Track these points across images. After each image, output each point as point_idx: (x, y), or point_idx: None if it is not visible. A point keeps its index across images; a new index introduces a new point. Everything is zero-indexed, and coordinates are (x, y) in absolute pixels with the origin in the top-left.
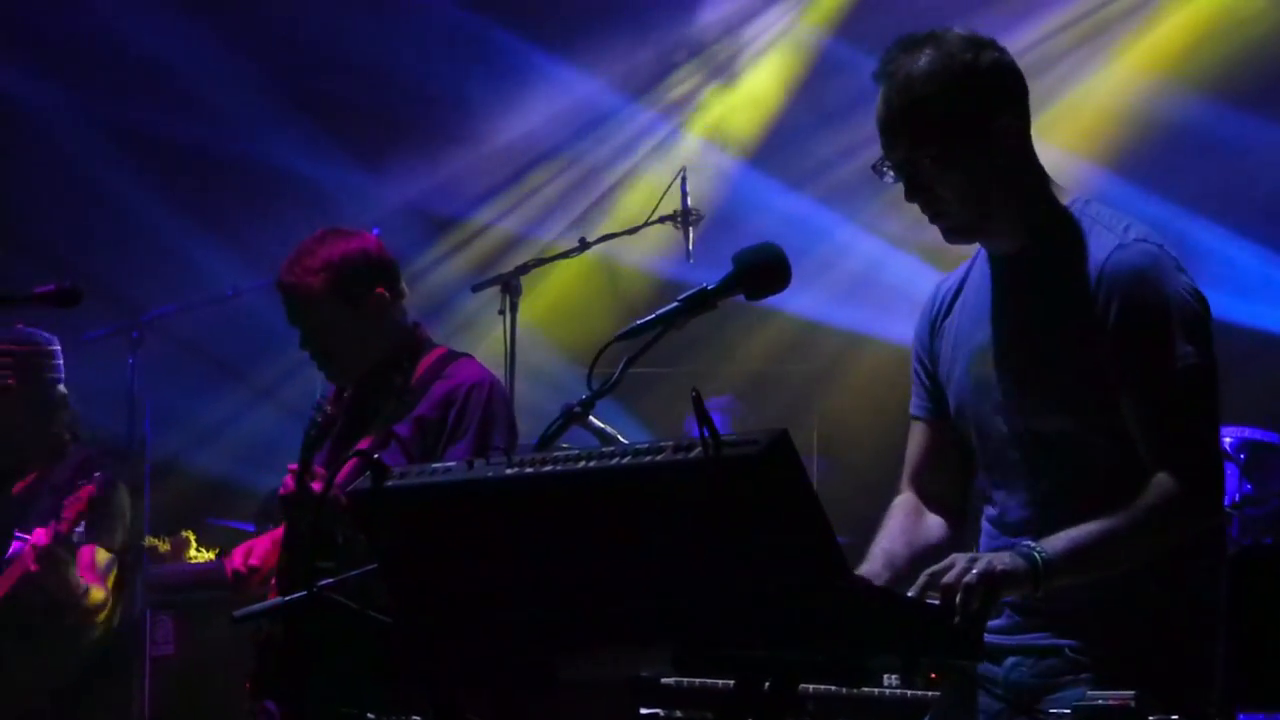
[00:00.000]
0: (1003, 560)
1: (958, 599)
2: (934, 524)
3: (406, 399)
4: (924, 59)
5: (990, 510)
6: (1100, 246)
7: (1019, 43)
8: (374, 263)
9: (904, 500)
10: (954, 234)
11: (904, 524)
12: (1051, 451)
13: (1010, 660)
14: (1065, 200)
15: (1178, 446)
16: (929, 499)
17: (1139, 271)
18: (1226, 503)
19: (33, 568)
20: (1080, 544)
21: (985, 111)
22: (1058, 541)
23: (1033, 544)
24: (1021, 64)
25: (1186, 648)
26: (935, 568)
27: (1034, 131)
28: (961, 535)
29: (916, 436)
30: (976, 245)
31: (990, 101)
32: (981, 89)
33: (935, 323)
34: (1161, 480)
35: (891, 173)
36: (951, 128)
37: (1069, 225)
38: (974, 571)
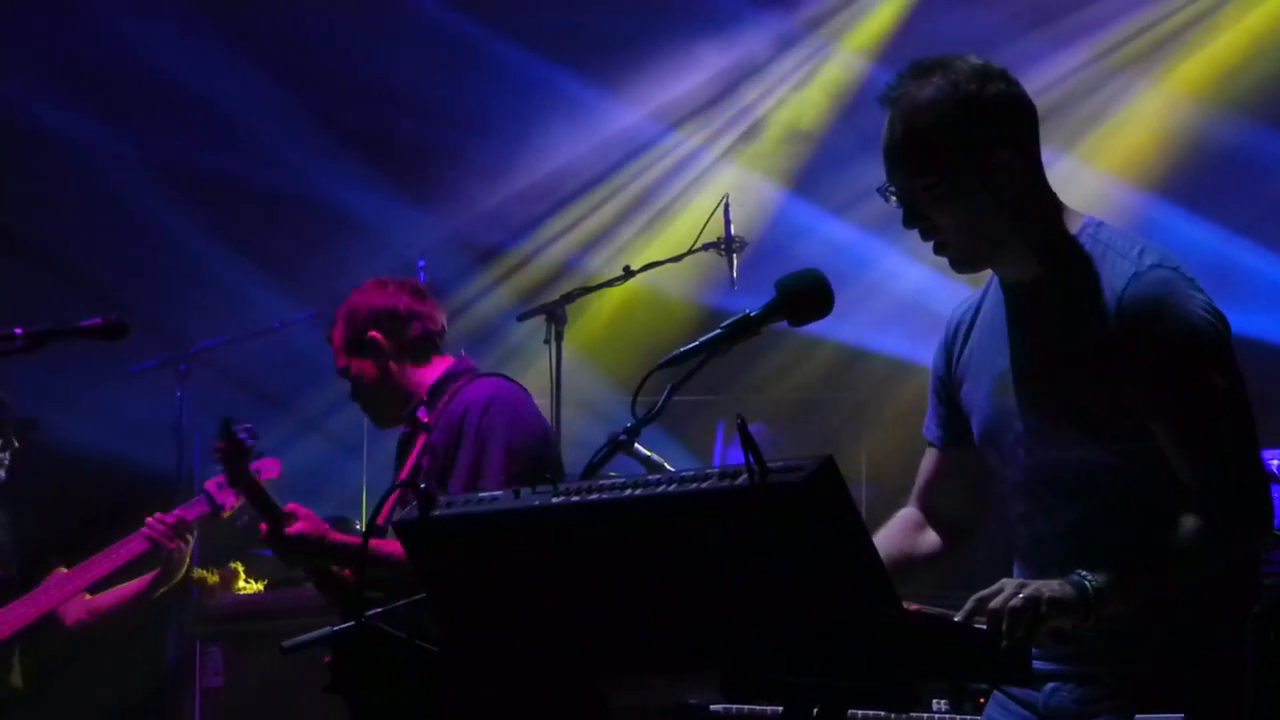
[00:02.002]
0: (1051, 587)
1: (1004, 624)
2: (929, 540)
3: (428, 431)
4: (929, 88)
5: (1020, 538)
6: (1117, 274)
7: (1063, 67)
8: (375, 311)
9: (905, 514)
10: (959, 265)
11: (896, 535)
12: (1076, 480)
13: (1050, 686)
14: (1077, 225)
15: (1218, 471)
16: (934, 518)
17: (1158, 299)
18: (1277, 524)
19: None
20: (1130, 572)
21: (986, 144)
22: (1107, 569)
23: (1084, 573)
24: (1066, 88)
25: (1225, 673)
26: (983, 592)
27: (1079, 155)
28: (958, 554)
29: (928, 459)
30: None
31: (992, 134)
32: (983, 121)
33: (952, 350)
34: (1206, 504)
35: (894, 198)
36: (950, 159)
37: (1081, 253)
38: (1020, 596)
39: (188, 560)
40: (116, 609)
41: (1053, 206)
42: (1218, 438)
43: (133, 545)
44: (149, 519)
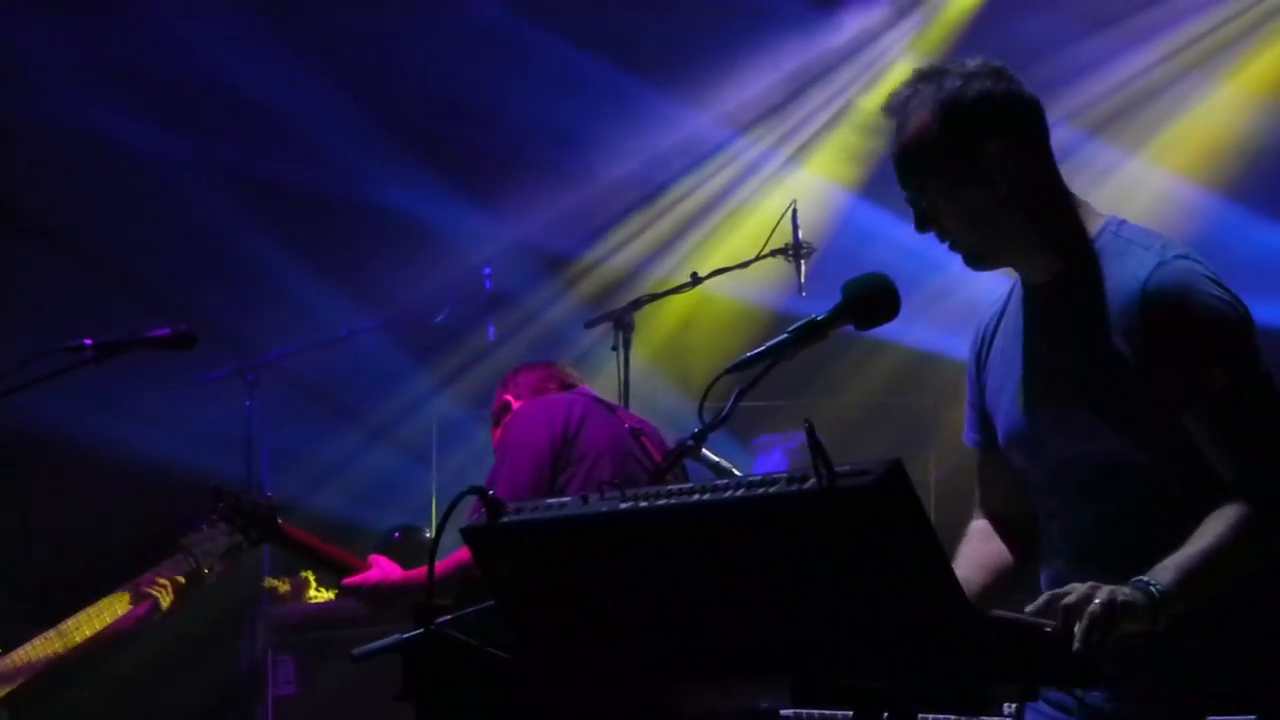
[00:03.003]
0: (1123, 592)
1: (1079, 626)
2: (1005, 547)
3: None
4: (920, 94)
5: (1048, 536)
6: (1140, 265)
7: (1133, 68)
8: (516, 386)
9: (976, 526)
10: (970, 261)
11: (977, 550)
12: (1103, 475)
13: None
14: (1098, 223)
15: (1256, 454)
16: (998, 522)
17: (1182, 289)
18: None
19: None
20: (1189, 571)
21: (974, 140)
22: (1166, 572)
23: (1145, 578)
24: (1135, 89)
25: (1264, 669)
26: (1056, 590)
27: (1148, 156)
28: (1035, 554)
29: (980, 464)
30: (1014, 276)
31: (977, 132)
32: (966, 120)
33: (980, 355)
34: (1247, 493)
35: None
36: (939, 158)
37: (1103, 248)
38: (1098, 602)
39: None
40: (109, 643)
41: (1070, 204)
42: (1251, 421)
43: (129, 618)
44: (150, 576)
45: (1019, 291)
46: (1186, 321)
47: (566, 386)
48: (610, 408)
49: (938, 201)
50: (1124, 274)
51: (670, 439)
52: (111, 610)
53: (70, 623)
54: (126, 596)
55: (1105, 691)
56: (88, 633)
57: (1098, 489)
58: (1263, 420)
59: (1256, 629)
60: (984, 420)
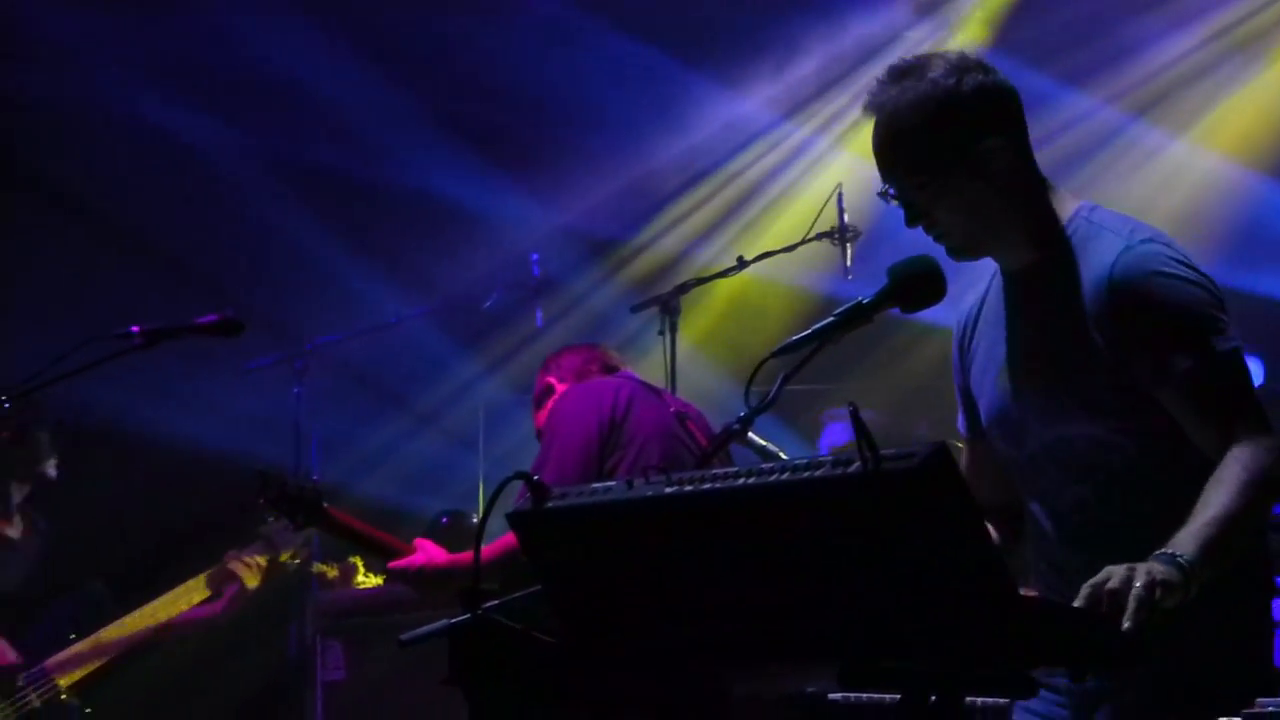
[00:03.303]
0: (1159, 570)
1: (1129, 608)
2: (995, 533)
3: None
4: (908, 90)
5: (1032, 519)
6: (1108, 249)
7: (1177, 49)
8: (560, 367)
9: None
10: (957, 254)
11: None
12: (1082, 457)
13: None
14: (1071, 208)
15: (1239, 417)
16: (988, 510)
17: (1147, 273)
18: None
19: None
20: (1208, 538)
21: (971, 136)
22: (1187, 542)
23: (1170, 550)
24: (1180, 70)
25: (1245, 646)
26: (1094, 580)
27: (1193, 138)
28: (1022, 542)
29: (965, 455)
30: (992, 265)
31: (976, 125)
32: (965, 115)
33: (963, 343)
34: (1240, 452)
35: (894, 200)
36: (939, 157)
37: (1076, 234)
38: (1139, 585)
39: (245, 599)
40: (180, 632)
41: (1045, 191)
42: (1225, 393)
43: (202, 611)
44: (226, 556)
45: (999, 278)
46: (1152, 304)
47: (609, 369)
48: (655, 391)
49: (933, 196)
50: (1094, 259)
51: (716, 423)
52: (188, 597)
53: (147, 609)
54: (203, 581)
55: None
56: (163, 618)
57: (1077, 471)
58: (1236, 391)
59: (1238, 609)
60: (971, 409)
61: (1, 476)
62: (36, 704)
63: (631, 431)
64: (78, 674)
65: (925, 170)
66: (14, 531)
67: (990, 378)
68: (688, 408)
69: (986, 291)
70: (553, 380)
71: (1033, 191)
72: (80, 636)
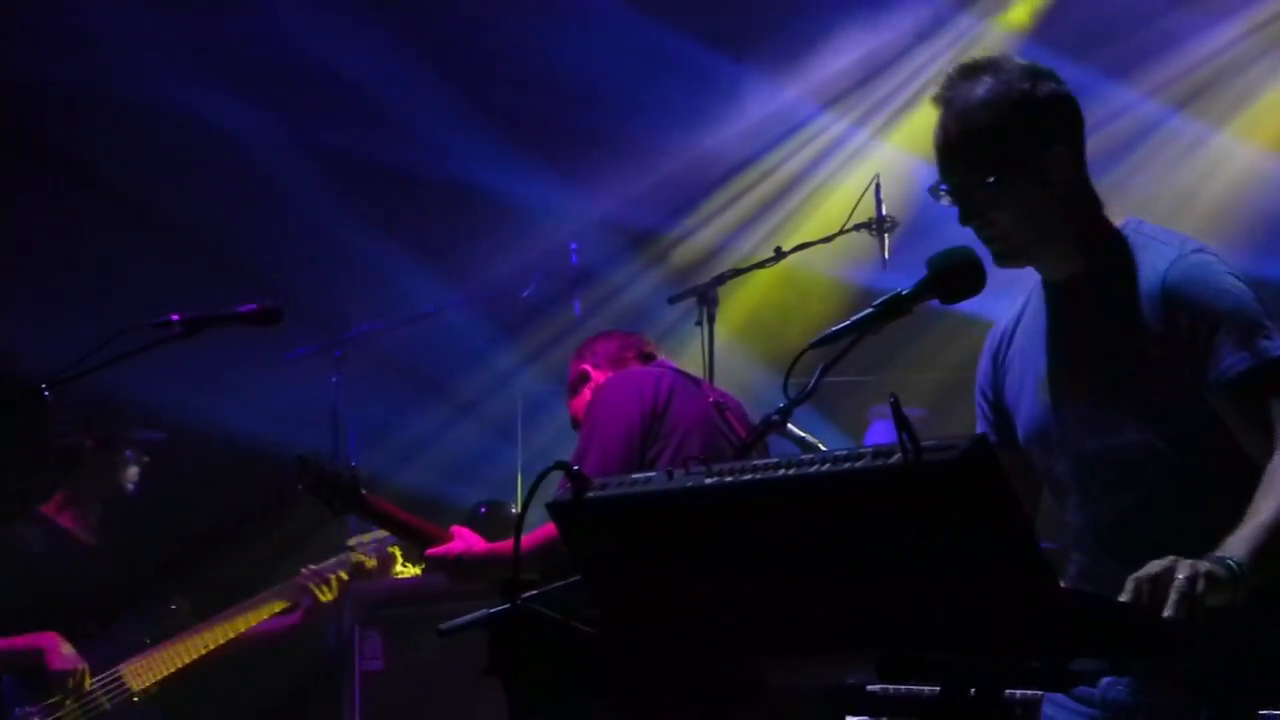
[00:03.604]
0: (1204, 565)
1: (1169, 600)
2: None
3: None
4: (982, 87)
5: (1073, 530)
6: (1160, 258)
7: (1217, 43)
8: (594, 353)
9: None
10: (1004, 259)
11: None
12: (1125, 466)
13: (1106, 680)
14: (1118, 222)
15: None
16: None
17: (1201, 275)
18: None
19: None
20: (1258, 542)
21: (1040, 142)
22: (1237, 545)
23: (1220, 553)
24: (1219, 64)
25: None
26: (1139, 574)
27: (1232, 132)
28: None
29: None
30: (1033, 278)
31: (1045, 131)
32: (1037, 119)
33: (998, 356)
34: None
35: (947, 197)
36: (1006, 157)
37: (1124, 245)
38: (1182, 577)
39: (323, 611)
40: (254, 644)
41: (1095, 202)
42: (1278, 389)
43: (279, 623)
44: (303, 569)
45: (1039, 291)
46: (1207, 307)
47: (645, 357)
48: (694, 381)
49: (991, 198)
50: (1146, 268)
51: (755, 415)
52: (267, 609)
53: (224, 620)
54: (281, 594)
55: (1127, 685)
56: (241, 630)
57: (1119, 481)
58: None
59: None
60: (999, 418)
61: (81, 483)
62: (107, 706)
63: (673, 422)
64: (151, 679)
65: (989, 169)
66: (89, 536)
67: (1029, 389)
68: (726, 398)
69: (1025, 304)
70: (588, 367)
71: (1087, 204)
72: (155, 642)
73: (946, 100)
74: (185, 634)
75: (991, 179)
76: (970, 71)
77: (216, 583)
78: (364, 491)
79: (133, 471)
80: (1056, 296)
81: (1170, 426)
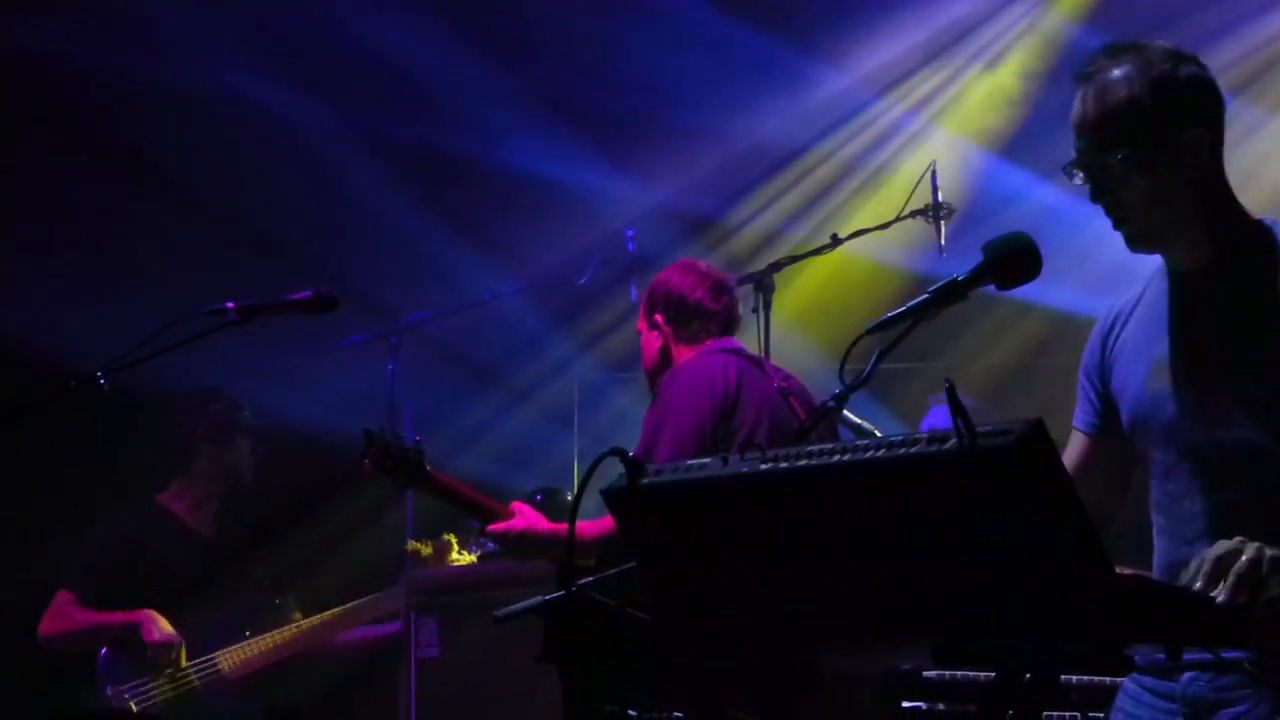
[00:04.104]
0: (1270, 549)
1: (1227, 583)
2: None
3: None
4: (1124, 66)
5: (1163, 522)
6: None
7: (1271, 28)
8: (670, 295)
9: None
10: (1136, 242)
11: None
12: (1232, 463)
13: (1187, 675)
14: (1253, 218)
15: None
16: None
17: None
18: None
19: None
20: None
21: (1178, 122)
22: None
23: None
24: (1276, 48)
25: None
26: (1204, 555)
27: None
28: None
29: (1074, 448)
30: (1155, 264)
31: (1183, 113)
32: (1176, 100)
33: (1108, 339)
34: None
35: (1080, 174)
36: (1142, 135)
37: (1260, 240)
38: (1245, 559)
39: None
40: (350, 650)
41: (1232, 197)
42: None
43: (375, 630)
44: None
45: (1160, 279)
46: None
47: (724, 329)
48: (758, 363)
49: (1127, 177)
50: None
51: (814, 398)
52: (360, 615)
53: (318, 621)
54: (375, 603)
55: (1208, 681)
56: (335, 633)
57: (1227, 476)
58: None
59: None
60: (1104, 405)
61: (196, 472)
62: (196, 684)
63: (744, 411)
64: (243, 665)
65: (1125, 146)
66: (205, 527)
67: (1139, 376)
68: (790, 381)
69: (1143, 291)
70: (667, 331)
71: (1220, 193)
72: (254, 635)
73: (1086, 76)
74: (284, 629)
75: (1124, 155)
76: (1114, 51)
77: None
78: (429, 467)
79: (248, 460)
80: (1181, 285)
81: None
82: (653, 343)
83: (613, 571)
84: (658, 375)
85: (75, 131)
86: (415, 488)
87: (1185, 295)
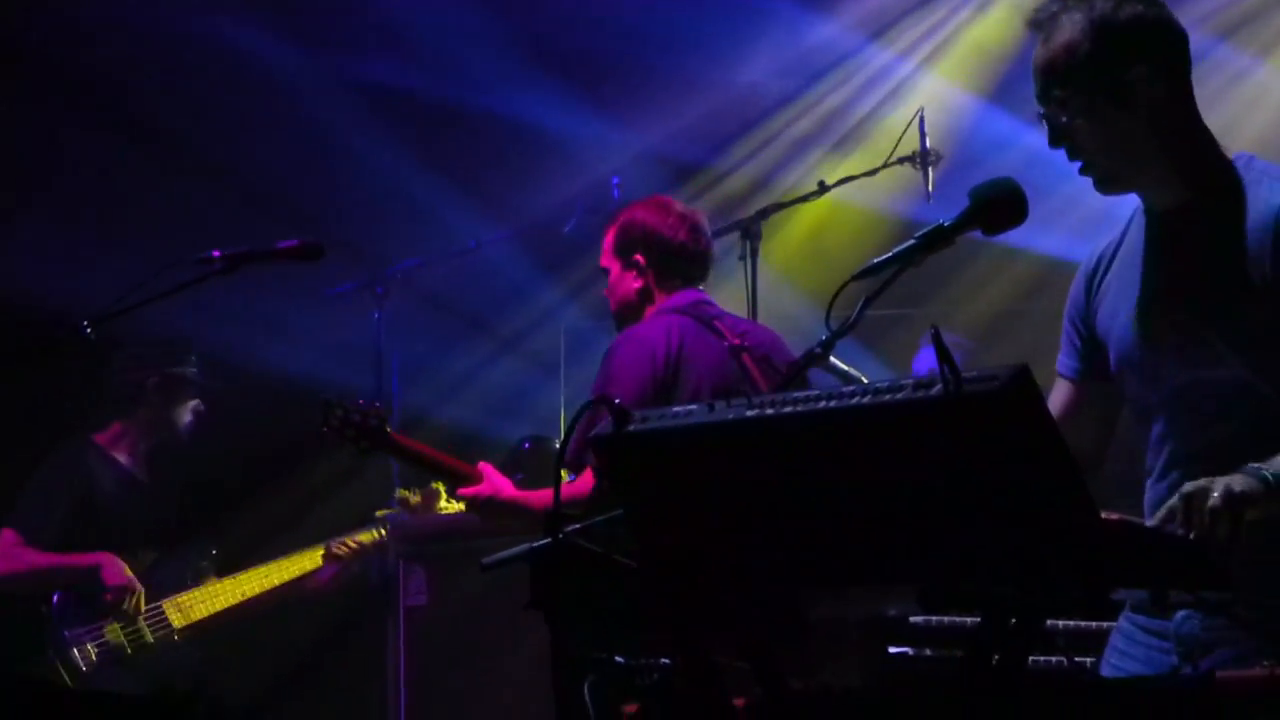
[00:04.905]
0: (1238, 482)
1: (1205, 524)
2: None
3: None
4: (1069, 10)
5: (1154, 461)
6: (1274, 194)
7: None
8: (650, 234)
9: None
10: (1103, 184)
11: None
12: (1219, 400)
13: (1181, 613)
14: (1229, 156)
15: None
16: None
17: None
18: None
19: None
20: None
21: (1120, 61)
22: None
23: (1257, 466)
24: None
25: None
26: (1171, 500)
27: (1276, 62)
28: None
29: (1058, 393)
30: (1133, 205)
31: (1126, 52)
32: (1116, 40)
33: (1093, 281)
34: None
35: (1043, 119)
36: (1084, 76)
37: (1233, 179)
38: (1216, 495)
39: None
40: (286, 597)
41: (1204, 135)
42: None
43: (317, 576)
44: (332, 543)
45: (1139, 219)
46: None
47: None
48: (709, 322)
49: (1076, 119)
50: (1258, 202)
51: (798, 348)
52: (300, 565)
53: (260, 571)
54: (320, 553)
55: (1201, 619)
56: (275, 583)
57: (1213, 414)
58: None
59: None
60: (1085, 349)
61: (139, 419)
62: (149, 639)
63: (684, 382)
64: (190, 618)
65: (1071, 90)
66: (138, 471)
67: (1124, 317)
68: (748, 337)
69: (1124, 232)
70: (641, 260)
71: (1187, 131)
72: (195, 583)
73: (1036, 24)
74: (224, 581)
75: (1069, 97)
76: None
77: (260, 524)
78: (390, 430)
79: (190, 415)
80: (1158, 225)
81: (1268, 362)
82: (629, 283)
83: (599, 519)
84: (632, 318)
85: (56, 80)
86: (380, 452)
87: (1164, 235)
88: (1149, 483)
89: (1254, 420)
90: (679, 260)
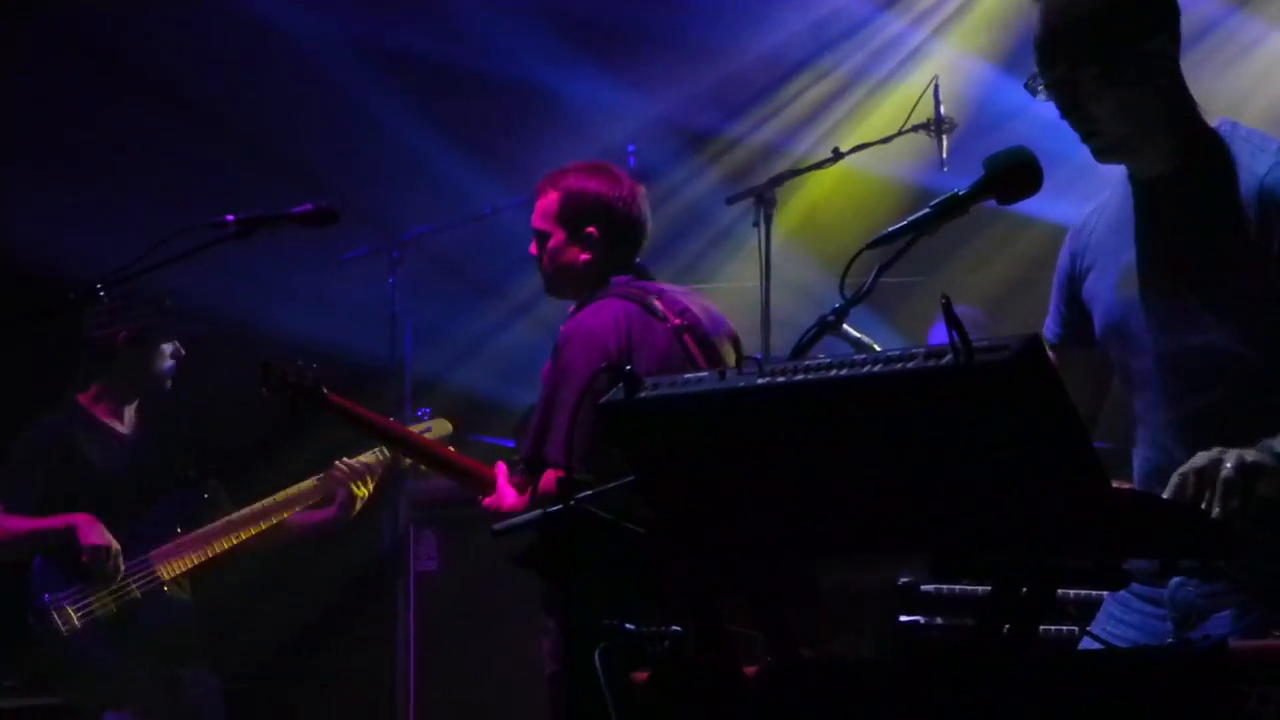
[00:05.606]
0: (1250, 454)
1: (1215, 494)
2: None
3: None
4: None
5: (1144, 428)
6: (1258, 161)
7: None
8: (602, 205)
9: None
10: (1106, 154)
11: None
12: (1205, 367)
13: (1176, 580)
14: (1213, 122)
15: None
16: None
17: None
18: None
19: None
20: None
21: (1143, 31)
22: None
23: (1268, 441)
24: None
25: None
26: (1184, 468)
27: None
28: None
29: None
30: (1117, 172)
31: (1146, 22)
32: (1137, 10)
33: (1078, 250)
34: None
35: (1044, 91)
36: (1109, 47)
37: (1219, 147)
38: (1229, 465)
39: (358, 505)
40: (287, 537)
41: (1191, 100)
42: None
43: (315, 515)
44: (337, 463)
45: (1124, 186)
46: None
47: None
48: (650, 306)
49: (1095, 90)
50: (1244, 169)
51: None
52: (298, 500)
53: (255, 509)
54: (313, 486)
55: (1197, 586)
56: (273, 520)
57: (1199, 380)
58: None
59: None
60: (1071, 315)
61: (117, 376)
62: (137, 594)
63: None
64: (180, 567)
65: (1094, 59)
66: (123, 428)
67: (1110, 285)
68: (687, 314)
69: (1107, 200)
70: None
71: (1183, 99)
72: (186, 531)
73: None
74: (217, 524)
75: (1097, 68)
76: None
77: (259, 476)
78: (326, 391)
79: (168, 365)
80: (1145, 192)
81: (1253, 329)
82: (575, 254)
83: (611, 485)
84: (570, 287)
85: (71, 44)
86: (317, 414)
87: (1150, 202)
88: (1137, 451)
89: (1238, 387)
90: (631, 233)
